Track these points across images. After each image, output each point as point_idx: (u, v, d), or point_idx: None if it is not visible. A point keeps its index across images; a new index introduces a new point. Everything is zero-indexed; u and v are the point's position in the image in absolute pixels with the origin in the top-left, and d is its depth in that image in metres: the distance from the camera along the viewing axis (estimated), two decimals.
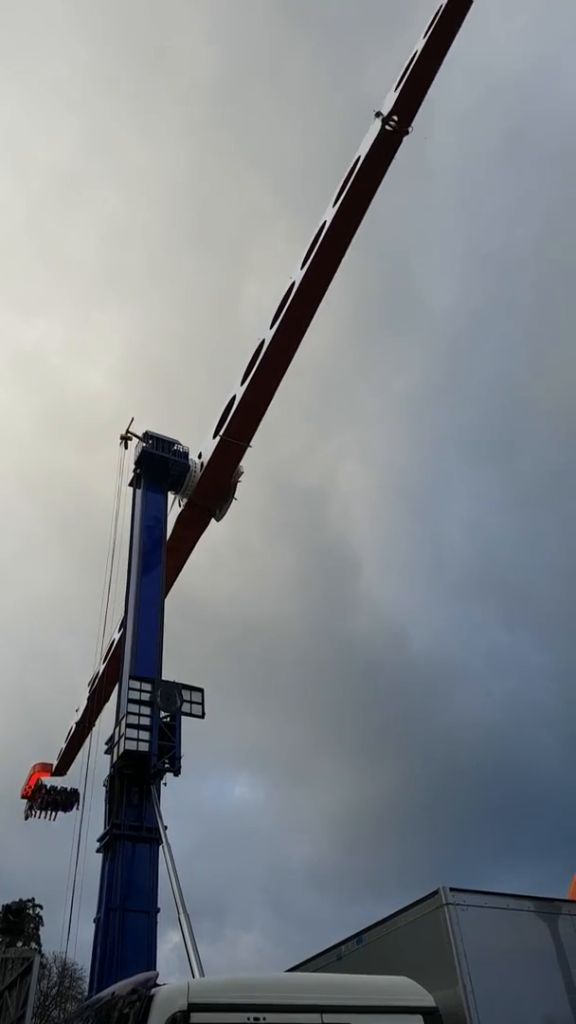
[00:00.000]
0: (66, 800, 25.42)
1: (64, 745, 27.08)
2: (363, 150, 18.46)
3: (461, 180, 73.03)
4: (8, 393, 79.56)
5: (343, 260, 18.86)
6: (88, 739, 18.38)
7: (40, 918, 34.77)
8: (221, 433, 20.44)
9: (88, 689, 24.10)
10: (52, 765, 27.30)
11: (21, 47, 69.17)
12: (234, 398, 20.60)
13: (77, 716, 25.82)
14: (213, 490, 20.82)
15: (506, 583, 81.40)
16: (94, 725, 19.78)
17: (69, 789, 25.64)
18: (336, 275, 18.98)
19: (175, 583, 21.78)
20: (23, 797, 26.77)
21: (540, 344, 75.46)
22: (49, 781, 26.52)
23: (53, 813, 25.67)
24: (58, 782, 26.56)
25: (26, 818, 26.09)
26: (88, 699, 23.79)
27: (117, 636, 20.66)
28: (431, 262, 76.91)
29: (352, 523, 78.87)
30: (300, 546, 74.73)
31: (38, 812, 25.77)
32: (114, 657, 20.86)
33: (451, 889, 7.76)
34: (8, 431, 78.53)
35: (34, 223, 79.09)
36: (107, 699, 20.16)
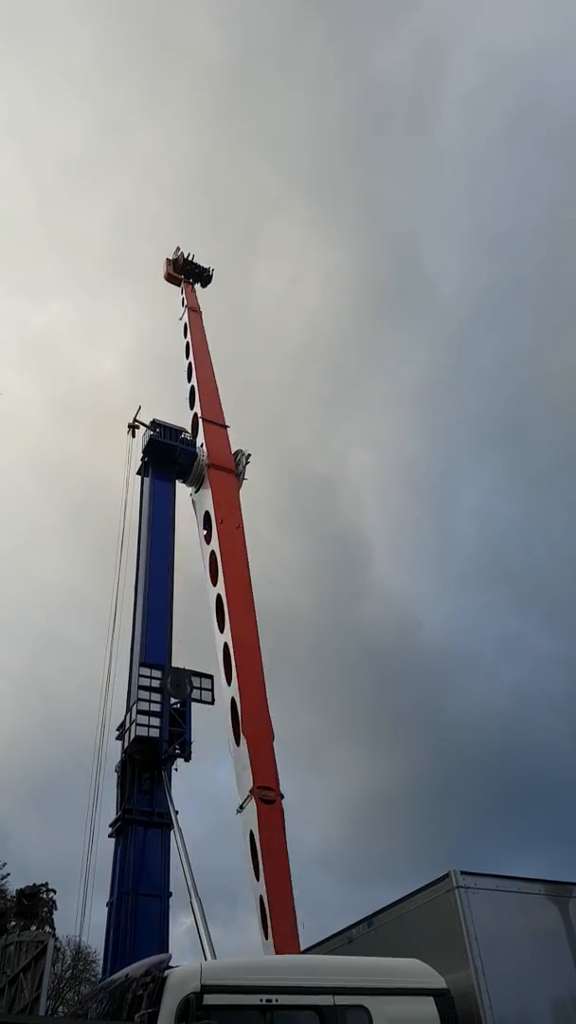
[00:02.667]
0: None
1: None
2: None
3: (467, 161, 72.34)
4: (20, 377, 79.48)
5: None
6: (98, 726, 18.44)
7: (54, 902, 35.01)
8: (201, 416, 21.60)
9: None
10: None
11: (31, 33, 68.72)
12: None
13: None
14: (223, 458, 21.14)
15: (515, 570, 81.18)
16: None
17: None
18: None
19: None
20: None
21: (547, 328, 74.94)
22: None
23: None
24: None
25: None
26: None
27: None
28: (438, 245, 76.40)
29: (363, 512, 78.73)
30: (311, 535, 74.69)
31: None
32: None
33: (462, 872, 7.78)
34: (20, 417, 78.54)
35: (44, 209, 78.78)
36: None
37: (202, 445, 21.20)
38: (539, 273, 73.36)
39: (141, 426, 21.52)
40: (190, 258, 29.28)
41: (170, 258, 29.61)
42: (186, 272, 29.00)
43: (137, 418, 21.64)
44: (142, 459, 21.00)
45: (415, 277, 72.83)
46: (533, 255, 73.90)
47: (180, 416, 22.22)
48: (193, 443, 21.22)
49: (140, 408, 21.60)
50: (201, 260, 29.29)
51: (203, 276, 29.46)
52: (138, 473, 21.16)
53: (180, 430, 21.44)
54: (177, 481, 21.06)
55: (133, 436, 21.70)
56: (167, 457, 20.76)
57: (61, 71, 68.90)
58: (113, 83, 70.84)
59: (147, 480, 20.63)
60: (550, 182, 71.49)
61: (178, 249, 29.66)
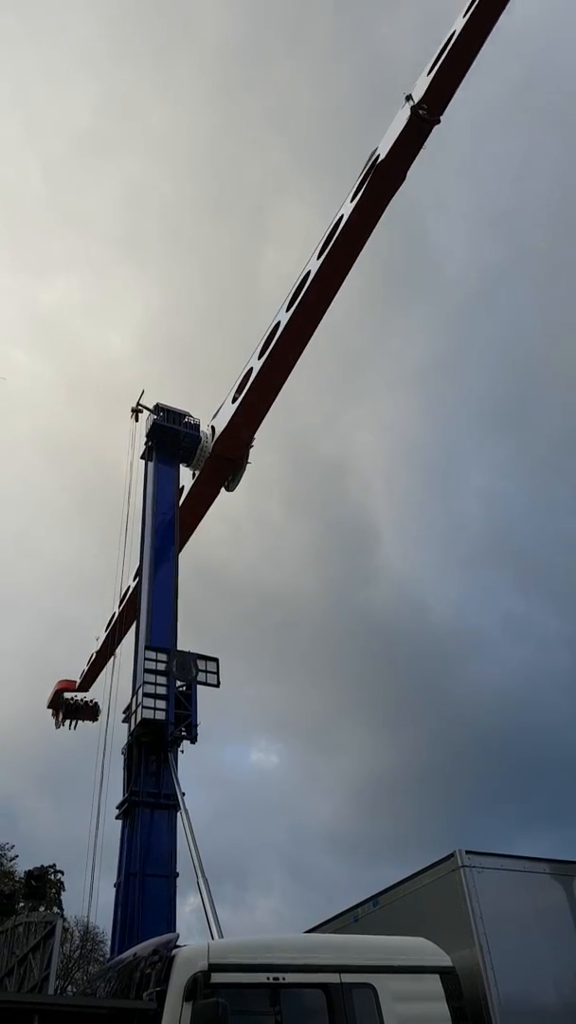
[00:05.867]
0: (88, 710, 26.17)
1: (86, 668, 27.62)
2: (389, 139, 17.25)
3: (471, 135, 71.32)
4: (29, 355, 79.26)
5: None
6: (104, 715, 18.61)
7: (61, 883, 35.54)
8: (242, 397, 20.50)
9: (106, 628, 24.64)
10: (75, 682, 27.95)
11: (37, 7, 67.82)
12: (251, 370, 20.58)
13: (97, 645, 26.17)
14: (237, 445, 20.97)
15: (520, 551, 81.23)
16: (114, 654, 19.83)
17: (91, 701, 26.42)
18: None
19: (190, 539, 22.21)
20: (48, 707, 27.73)
21: (551, 306, 74.37)
22: (70, 694, 27.40)
23: (74, 723, 26.55)
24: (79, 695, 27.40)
25: (56, 727, 27.02)
26: (107, 632, 24.34)
27: (133, 583, 21.04)
28: (443, 224, 75.67)
29: (370, 494, 78.71)
30: (319, 517, 74.74)
31: (63, 721, 26.69)
32: (130, 602, 21.27)
33: (467, 852, 7.84)
34: (30, 396, 78.40)
35: (50, 185, 78.15)
36: (125, 634, 20.56)
37: (214, 418, 21.37)
38: (543, 249, 72.71)
39: (145, 410, 21.48)
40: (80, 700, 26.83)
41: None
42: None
43: (140, 402, 21.58)
44: (146, 443, 20.96)
45: (421, 256, 72.23)
46: (536, 231, 73.20)
47: (188, 397, 22.21)
48: (197, 427, 21.19)
49: (143, 392, 21.55)
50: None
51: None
52: (141, 457, 21.13)
53: (184, 414, 21.38)
54: (181, 465, 21.06)
55: (136, 420, 21.67)
56: (171, 441, 20.72)
57: (67, 46, 68.05)
58: (119, 59, 69.92)
59: (151, 464, 20.60)
60: (553, 155, 70.57)
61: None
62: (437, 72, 16.41)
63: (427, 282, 74.51)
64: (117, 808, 15.33)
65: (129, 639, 18.72)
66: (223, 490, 21.84)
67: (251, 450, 21.11)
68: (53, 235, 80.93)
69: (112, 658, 20.21)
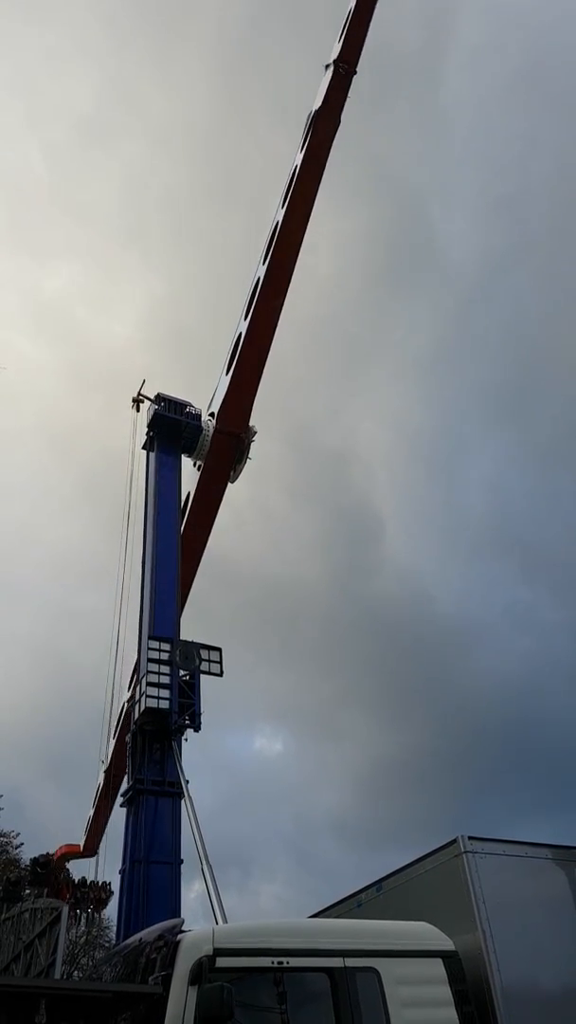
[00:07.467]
0: (97, 892, 20.80)
1: (91, 811, 23.73)
2: (321, 93, 21.84)
3: (474, 121, 70.88)
4: (33, 344, 79.12)
5: (317, 198, 21.48)
6: (107, 699, 18.52)
7: (67, 870, 35.73)
8: (236, 359, 20.76)
9: (114, 732, 20.70)
10: (79, 845, 24.27)
11: None
12: (240, 335, 21.05)
13: (104, 763, 21.65)
14: (236, 417, 20.88)
15: (524, 541, 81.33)
16: (121, 783, 16.56)
17: (102, 883, 20.85)
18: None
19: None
20: (48, 891, 21.92)
21: (554, 292, 74.04)
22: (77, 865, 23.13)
23: (91, 912, 21.40)
24: (87, 864, 23.01)
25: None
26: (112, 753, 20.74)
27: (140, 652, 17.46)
28: (447, 209, 75.28)
29: (374, 484, 78.69)
30: (322, 507, 74.81)
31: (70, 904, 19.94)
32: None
33: (469, 838, 7.86)
34: (34, 385, 78.36)
35: (53, 173, 77.78)
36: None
37: (212, 399, 21.49)
38: (545, 233, 72.37)
39: (146, 400, 21.45)
40: None
41: None
42: None
43: (142, 392, 21.56)
44: (147, 433, 20.94)
45: (425, 243, 71.98)
46: (538, 215, 72.80)
47: (190, 386, 22.20)
48: (198, 417, 21.14)
49: (144, 382, 21.53)
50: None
51: None
52: (143, 448, 21.11)
53: (185, 404, 21.32)
54: (183, 456, 21.01)
55: (138, 410, 21.65)
56: (173, 431, 20.69)
57: (67, 33, 67.62)
58: (120, 46, 69.58)
59: (152, 455, 20.58)
60: (555, 139, 70.15)
61: None
62: (345, 36, 22.25)
63: (429, 271, 74.23)
64: (122, 796, 15.45)
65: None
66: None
67: (252, 444, 21.01)
68: (55, 222, 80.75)
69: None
